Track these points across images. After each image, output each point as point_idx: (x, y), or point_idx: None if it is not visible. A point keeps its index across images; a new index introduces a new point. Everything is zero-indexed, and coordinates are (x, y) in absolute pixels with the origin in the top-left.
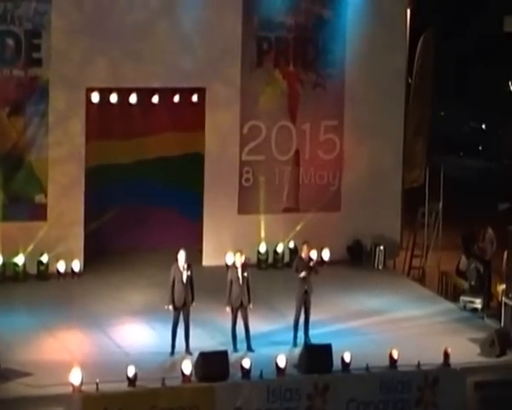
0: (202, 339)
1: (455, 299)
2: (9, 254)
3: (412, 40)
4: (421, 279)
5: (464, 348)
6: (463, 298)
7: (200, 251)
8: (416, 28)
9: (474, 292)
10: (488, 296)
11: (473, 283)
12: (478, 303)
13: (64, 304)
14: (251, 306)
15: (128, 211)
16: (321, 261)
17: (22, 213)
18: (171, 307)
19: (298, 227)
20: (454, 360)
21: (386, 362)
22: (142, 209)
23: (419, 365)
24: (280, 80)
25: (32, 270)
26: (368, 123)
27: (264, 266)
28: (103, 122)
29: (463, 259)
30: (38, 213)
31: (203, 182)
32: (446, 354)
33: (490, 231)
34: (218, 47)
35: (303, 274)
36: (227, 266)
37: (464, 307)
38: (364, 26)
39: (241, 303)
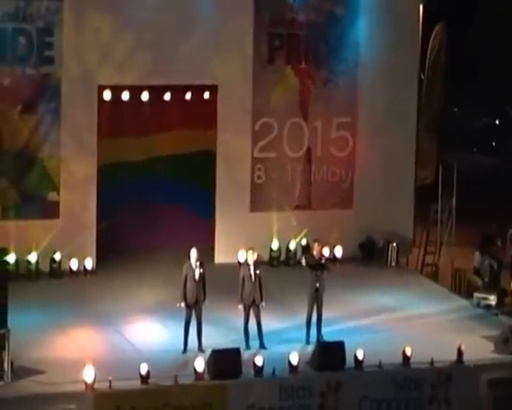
0: (215, 337)
1: (468, 296)
2: (22, 251)
3: (424, 36)
4: (435, 276)
5: (478, 346)
6: (477, 295)
7: (213, 249)
8: (429, 24)
9: (487, 289)
10: (502, 293)
11: (486, 279)
12: (492, 300)
13: (77, 302)
14: (263, 303)
15: (140, 209)
16: (333, 259)
17: (35, 210)
18: (183, 304)
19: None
20: (467, 357)
21: (400, 359)
22: (154, 207)
23: (432, 362)
24: (292, 77)
25: (45, 268)
26: (380, 119)
27: (276, 263)
28: (115, 120)
29: (477, 255)
30: (51, 210)
31: (215, 179)
32: (460, 352)
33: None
34: (230, 44)
35: (303, 262)
36: (239, 263)
37: (478, 303)
38: (376, 22)
39: (254, 301)
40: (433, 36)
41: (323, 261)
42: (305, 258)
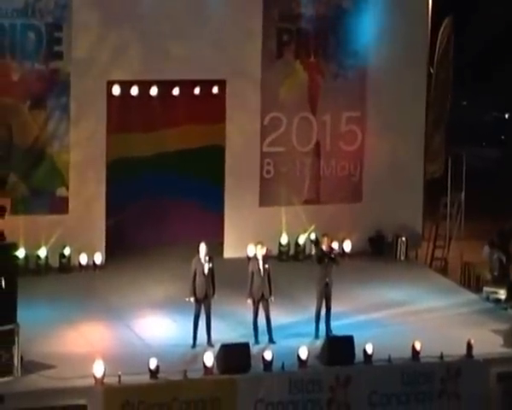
0: (224, 331)
1: (478, 290)
2: (32, 247)
3: (433, 29)
4: (444, 270)
5: (487, 340)
6: (486, 289)
7: (222, 243)
8: (438, 17)
9: (497, 283)
10: None
11: (495, 273)
12: (501, 294)
13: (86, 297)
14: (272, 298)
15: (149, 204)
16: (342, 253)
17: (44, 206)
18: (192, 299)
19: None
20: (477, 351)
21: (409, 354)
22: (163, 202)
23: (442, 356)
24: (300, 71)
25: (54, 263)
26: (389, 113)
27: (285, 257)
28: (124, 115)
29: (486, 249)
30: (60, 206)
31: (224, 174)
32: (469, 346)
33: None
34: (239, 39)
35: (313, 252)
36: (248, 258)
37: (487, 297)
38: (385, 15)
39: (263, 295)
40: (441, 29)
41: (333, 255)
42: (315, 252)
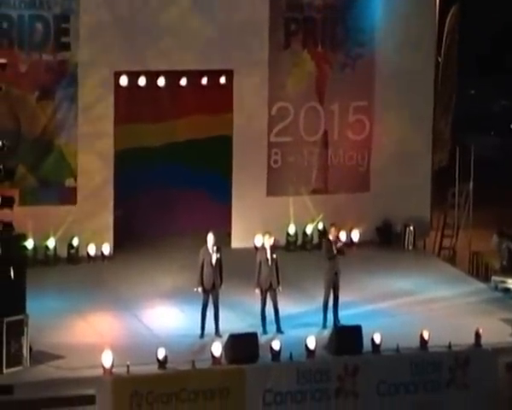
0: (232, 321)
1: (486, 279)
2: (40, 237)
3: (441, 17)
4: (452, 259)
5: (496, 329)
6: (495, 278)
7: (229, 233)
8: (445, 4)
9: (505, 272)
10: None
11: (504, 262)
12: (510, 283)
13: (94, 287)
14: (280, 288)
15: (156, 194)
16: (350, 243)
17: (52, 196)
18: (200, 289)
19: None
20: (485, 340)
21: (417, 343)
22: (171, 192)
23: (450, 345)
24: (308, 61)
25: (63, 253)
26: (397, 103)
27: (293, 247)
28: (132, 105)
29: (495, 238)
30: (68, 196)
31: (231, 164)
32: (478, 335)
33: None
34: (246, 29)
35: (331, 253)
36: (256, 248)
37: (496, 287)
38: (392, 4)
39: (270, 285)
40: (448, 17)
41: (339, 246)
42: (324, 247)
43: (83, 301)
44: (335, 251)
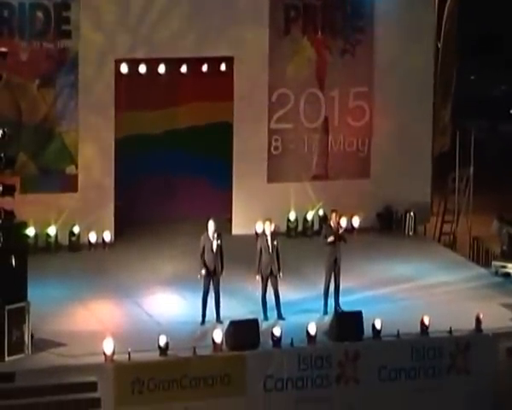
0: (233, 308)
1: (486, 264)
2: (41, 225)
3: (440, 2)
4: (453, 245)
5: (496, 314)
6: (495, 263)
7: (230, 220)
8: None
9: (506, 257)
10: None
11: (505, 247)
12: (510, 268)
13: (95, 274)
14: (281, 274)
15: (157, 181)
16: (351, 229)
17: (53, 184)
18: (203, 271)
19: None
20: (486, 325)
21: (418, 329)
22: (172, 179)
23: (451, 331)
24: (308, 48)
25: (64, 241)
26: (397, 88)
27: (293, 234)
28: (132, 93)
29: (495, 223)
30: (69, 184)
31: (232, 151)
32: (478, 320)
33: None
34: (246, 16)
35: (331, 239)
36: (256, 234)
37: (496, 272)
38: None
39: (271, 271)
40: (448, 1)
41: (340, 232)
42: (324, 232)
43: (84, 288)
44: (337, 238)
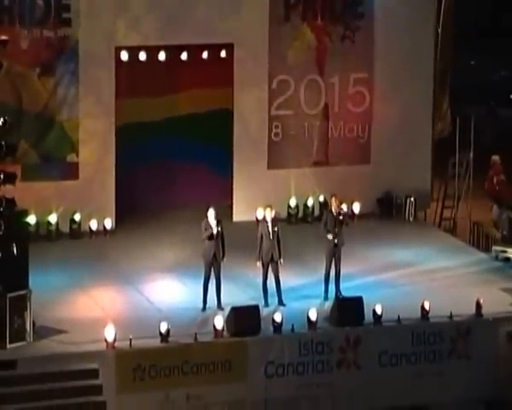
0: (234, 294)
1: (487, 249)
2: (42, 213)
3: None
4: (453, 230)
5: (497, 299)
6: (495, 248)
7: (231, 207)
8: None
9: (506, 242)
10: None
11: (505, 232)
12: (510, 253)
13: (97, 262)
14: (281, 260)
15: (158, 168)
16: (351, 214)
17: (54, 172)
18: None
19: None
20: (486, 310)
21: (418, 314)
22: (172, 166)
23: (451, 316)
24: (308, 34)
25: (65, 228)
26: (397, 74)
27: (294, 220)
28: (132, 80)
29: (495, 208)
30: (70, 172)
31: (232, 138)
32: (478, 305)
33: None
34: (246, 2)
35: (330, 237)
36: (257, 220)
37: (496, 257)
38: None
39: (272, 258)
40: None
41: (341, 217)
42: (324, 218)
43: (85, 275)
44: (339, 222)
